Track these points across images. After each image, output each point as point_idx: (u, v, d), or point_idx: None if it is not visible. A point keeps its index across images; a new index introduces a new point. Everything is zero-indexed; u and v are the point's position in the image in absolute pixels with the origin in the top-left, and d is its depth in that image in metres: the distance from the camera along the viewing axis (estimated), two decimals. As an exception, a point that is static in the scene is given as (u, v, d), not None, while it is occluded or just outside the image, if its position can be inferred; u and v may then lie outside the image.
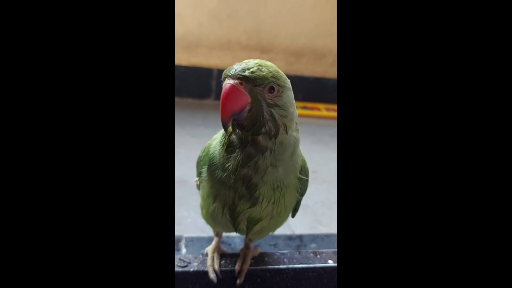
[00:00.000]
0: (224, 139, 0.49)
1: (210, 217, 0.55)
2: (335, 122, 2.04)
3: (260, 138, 0.45)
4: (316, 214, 1.05)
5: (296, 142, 0.49)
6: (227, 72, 0.44)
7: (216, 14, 2.04)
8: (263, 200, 0.49)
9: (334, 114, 2.10)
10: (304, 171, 0.52)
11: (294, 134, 0.48)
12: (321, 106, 2.16)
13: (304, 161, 0.53)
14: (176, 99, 2.03)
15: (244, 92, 0.43)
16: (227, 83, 0.43)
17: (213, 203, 0.52)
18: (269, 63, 0.46)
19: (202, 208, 0.58)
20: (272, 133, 0.45)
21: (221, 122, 0.44)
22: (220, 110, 0.43)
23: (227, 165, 0.48)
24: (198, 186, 0.57)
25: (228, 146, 0.48)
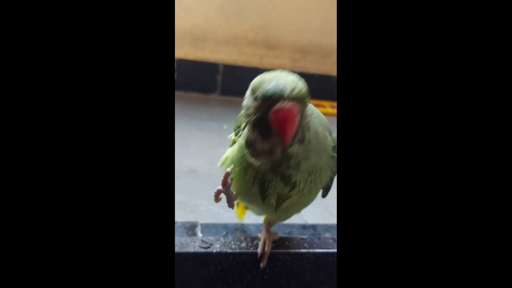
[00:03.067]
0: (244, 148, 0.48)
1: (238, 186, 0.54)
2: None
3: (291, 148, 0.46)
4: (327, 205, 1.05)
5: (317, 128, 0.49)
6: (276, 93, 0.43)
7: (224, 9, 2.05)
8: (300, 183, 0.50)
9: (339, 112, 2.11)
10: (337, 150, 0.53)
11: (314, 121, 0.49)
12: (326, 103, 2.17)
13: (336, 140, 0.54)
14: (182, 93, 2.03)
15: (298, 114, 0.44)
16: (285, 106, 0.43)
17: (245, 173, 0.51)
18: (297, 78, 0.46)
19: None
20: (301, 138, 0.46)
21: (283, 146, 0.44)
22: (279, 134, 0.43)
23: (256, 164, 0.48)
24: (232, 143, 0.55)
25: (252, 154, 0.48)
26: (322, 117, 0.54)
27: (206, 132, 1.57)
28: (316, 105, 2.08)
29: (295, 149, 0.46)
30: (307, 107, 0.46)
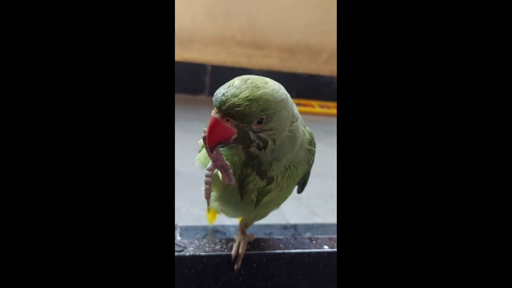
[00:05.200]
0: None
1: (217, 184, 0.53)
2: (328, 119, 2.06)
3: (251, 149, 0.46)
4: (311, 205, 1.05)
5: (294, 134, 0.48)
6: (215, 101, 0.43)
7: (211, 9, 2.04)
8: (277, 177, 0.50)
9: (327, 111, 2.11)
10: (313, 143, 0.53)
11: (290, 130, 0.48)
12: (314, 103, 2.17)
13: (311, 134, 0.54)
14: (170, 95, 2.02)
15: (230, 127, 0.43)
16: (214, 116, 0.43)
17: None
18: (261, 89, 0.43)
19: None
20: (261, 146, 0.46)
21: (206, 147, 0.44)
22: (207, 136, 0.43)
23: (233, 158, 0.49)
24: (201, 148, 0.56)
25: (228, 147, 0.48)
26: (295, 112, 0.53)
27: (192, 133, 1.57)
28: (305, 105, 2.08)
29: (255, 151, 0.47)
30: (271, 117, 0.44)
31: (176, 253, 0.58)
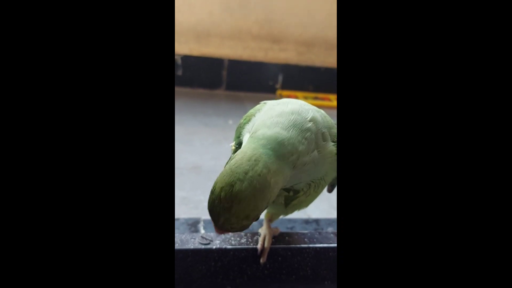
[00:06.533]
0: None
1: None
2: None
3: None
4: (331, 201, 1.05)
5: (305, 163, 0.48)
6: (214, 221, 0.44)
7: (228, 3, 2.04)
8: (302, 189, 0.51)
9: (345, 104, 2.09)
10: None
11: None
12: (332, 96, 2.15)
13: (334, 125, 0.53)
14: (187, 89, 2.04)
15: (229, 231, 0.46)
16: (217, 231, 0.46)
17: None
18: (244, 197, 0.42)
19: None
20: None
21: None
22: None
23: None
24: (234, 152, 0.57)
25: None
26: (325, 120, 0.52)
27: (211, 127, 1.58)
28: (322, 99, 2.06)
29: None
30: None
31: (203, 246, 0.58)
